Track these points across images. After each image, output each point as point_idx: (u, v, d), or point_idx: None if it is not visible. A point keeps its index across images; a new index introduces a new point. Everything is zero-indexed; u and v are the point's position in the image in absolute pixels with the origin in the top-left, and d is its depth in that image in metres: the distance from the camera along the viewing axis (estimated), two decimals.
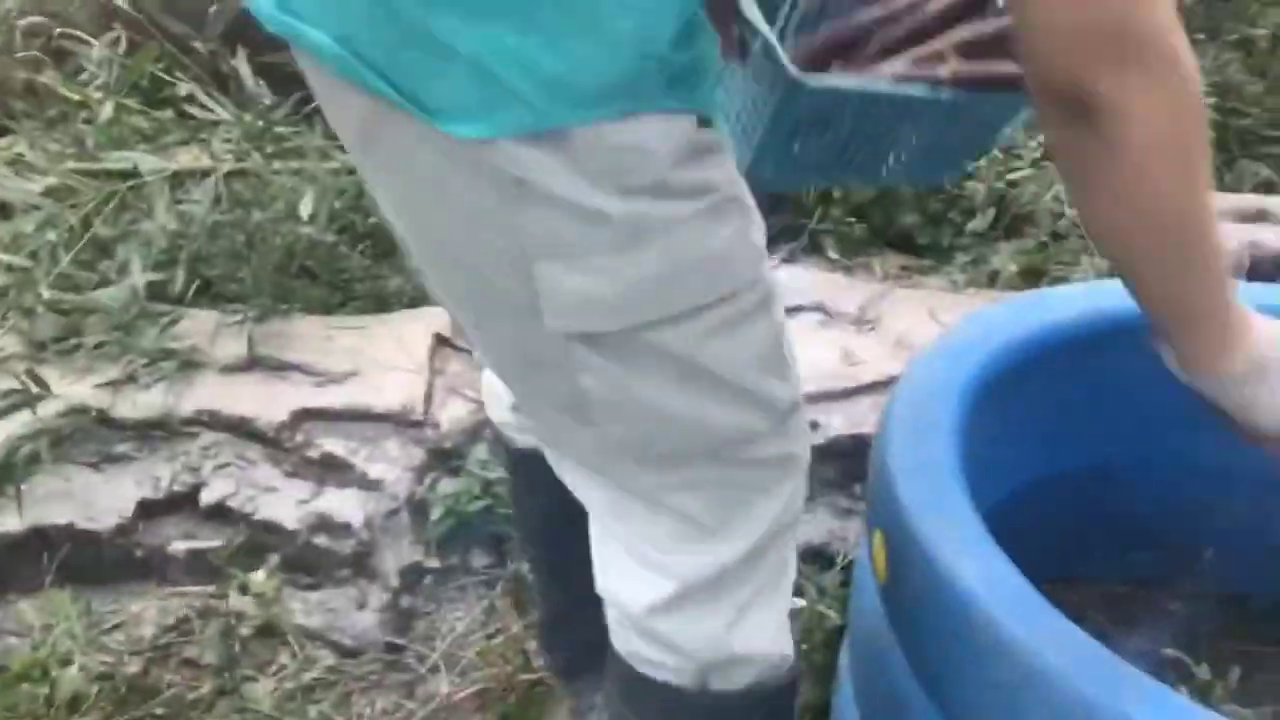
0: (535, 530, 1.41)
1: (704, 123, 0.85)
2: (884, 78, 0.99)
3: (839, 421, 1.74)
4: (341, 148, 2.45)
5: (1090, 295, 1.38)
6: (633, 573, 1.02)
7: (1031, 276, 2.28)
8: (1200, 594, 1.49)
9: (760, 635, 1.05)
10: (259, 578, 1.64)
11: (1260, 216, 2.05)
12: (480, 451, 1.76)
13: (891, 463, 1.13)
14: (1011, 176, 2.42)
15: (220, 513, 1.70)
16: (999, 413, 1.25)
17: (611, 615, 1.07)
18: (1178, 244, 0.83)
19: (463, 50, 0.75)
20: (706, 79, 0.85)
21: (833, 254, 2.36)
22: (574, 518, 1.28)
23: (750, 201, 0.93)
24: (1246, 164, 2.65)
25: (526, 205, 0.81)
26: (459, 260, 0.90)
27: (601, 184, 0.80)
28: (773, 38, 0.93)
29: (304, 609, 1.65)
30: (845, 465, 1.72)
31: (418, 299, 2.18)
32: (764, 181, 1.02)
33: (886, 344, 1.93)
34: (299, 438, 1.75)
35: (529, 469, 1.32)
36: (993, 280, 2.33)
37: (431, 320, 1.96)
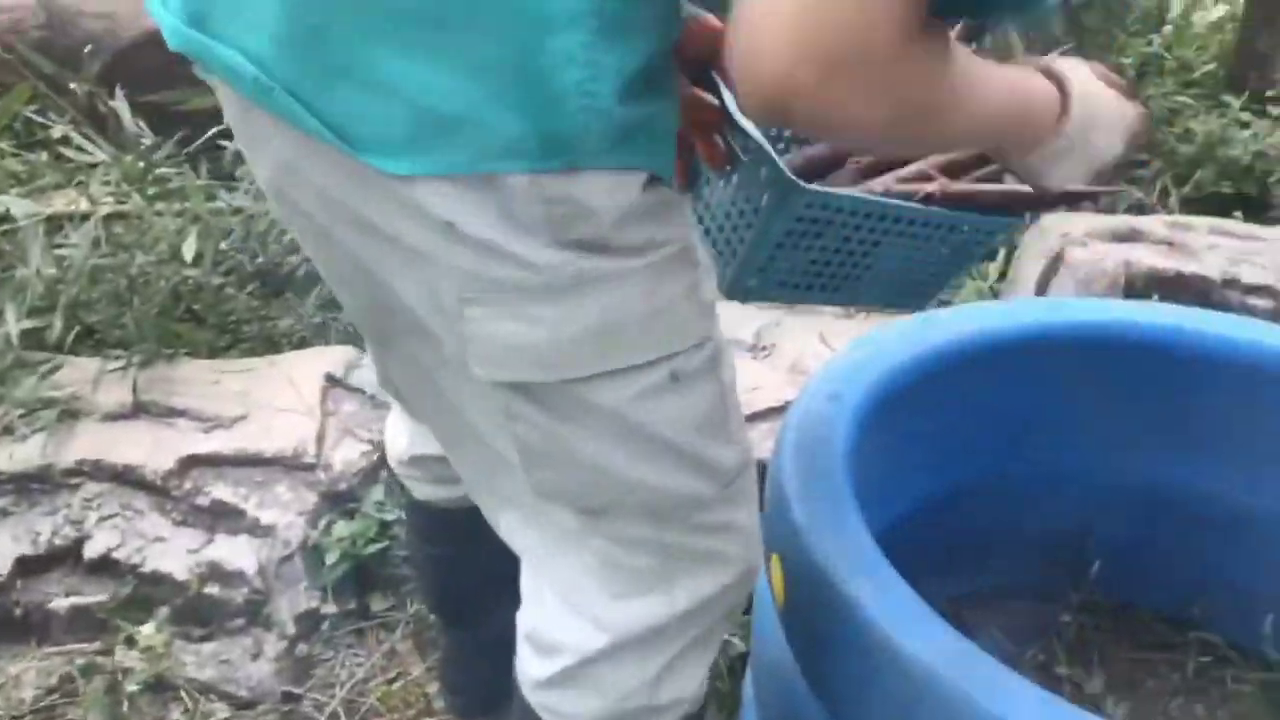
0: (433, 579, 1.39)
1: (655, 180, 0.81)
2: (874, 192, 1.00)
3: None
4: (228, 187, 2.42)
5: (974, 316, 1.41)
6: (563, 619, 0.98)
7: None
8: (1091, 605, 1.53)
9: (688, 684, 1.02)
10: (148, 631, 1.58)
11: (1133, 236, 2.13)
12: (376, 493, 1.73)
13: (786, 488, 1.14)
14: None
15: (105, 566, 1.63)
16: (890, 433, 1.27)
17: (528, 663, 1.03)
18: (965, 131, 0.83)
19: (401, 87, 0.72)
20: (658, 136, 0.80)
21: None
22: (473, 567, 1.26)
23: (703, 257, 0.89)
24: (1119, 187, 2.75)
25: (457, 246, 0.77)
26: (385, 303, 0.86)
27: (535, 233, 0.76)
28: (768, 145, 0.92)
29: (196, 661, 1.60)
30: None
31: (308, 339, 2.15)
32: (742, 295, 1.01)
33: (781, 370, 1.95)
34: (187, 485, 1.70)
35: (427, 520, 1.30)
36: None
37: (323, 360, 1.93)
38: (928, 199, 1.01)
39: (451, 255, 0.77)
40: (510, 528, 1.00)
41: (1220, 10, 3.79)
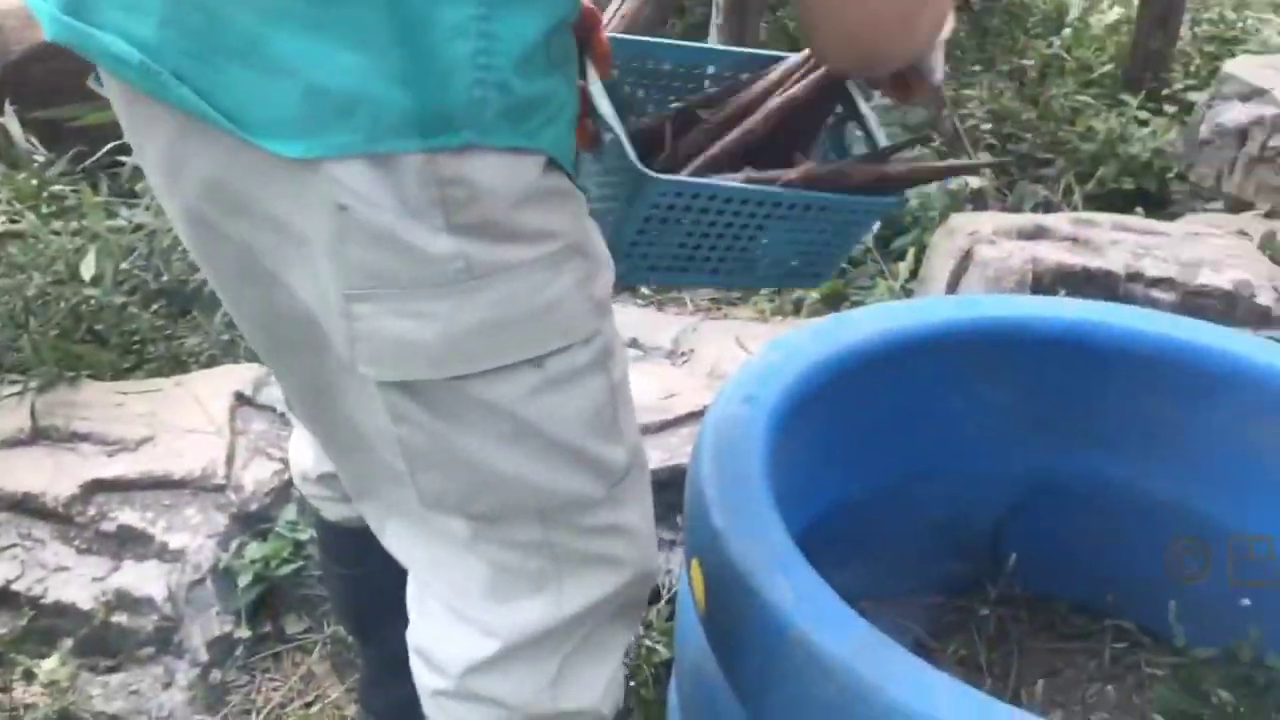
0: (345, 598, 1.36)
1: (552, 165, 0.80)
2: (734, 179, 1.00)
3: (657, 455, 1.74)
4: (128, 203, 2.36)
5: (885, 316, 1.42)
6: (451, 629, 0.96)
7: (833, 300, 2.35)
8: (1008, 598, 1.55)
9: (588, 693, 0.99)
10: (50, 664, 1.53)
11: (1039, 234, 2.17)
12: (289, 512, 1.69)
13: (704, 492, 1.13)
14: None
15: (3, 598, 1.57)
16: (806, 434, 1.27)
17: (423, 677, 1.01)
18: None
19: (292, 65, 0.71)
20: (558, 119, 0.79)
21: (646, 290, 2.38)
22: (384, 587, 1.23)
23: (598, 251, 0.87)
24: (1025, 185, 2.81)
25: (349, 236, 0.75)
26: (273, 303, 0.84)
27: (429, 217, 0.75)
28: (623, 133, 0.92)
29: (104, 694, 1.55)
30: (665, 497, 1.71)
31: (217, 357, 2.10)
32: (635, 277, 1.01)
33: (699, 375, 1.95)
34: (91, 511, 1.65)
35: (337, 539, 1.27)
36: (798, 308, 2.40)
37: (231, 378, 1.88)
38: (789, 184, 1.01)
39: (345, 244, 0.76)
40: (396, 537, 0.98)
41: (1116, 12, 3.90)
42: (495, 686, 0.96)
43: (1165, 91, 3.29)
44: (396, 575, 1.05)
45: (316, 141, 0.72)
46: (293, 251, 0.79)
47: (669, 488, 1.70)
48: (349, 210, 0.74)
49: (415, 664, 1.01)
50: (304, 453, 1.21)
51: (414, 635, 1.01)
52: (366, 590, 1.28)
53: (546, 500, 0.90)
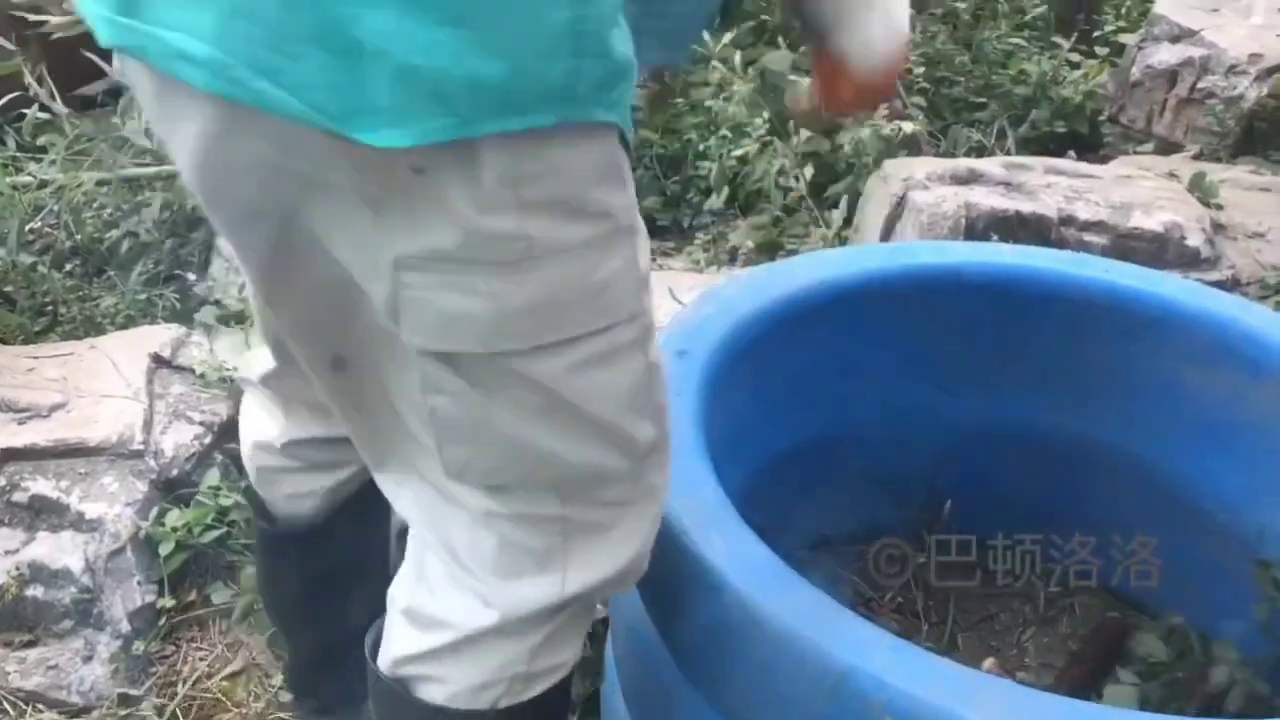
0: (284, 590, 1.30)
1: (621, 139, 0.79)
2: None
3: None
4: (36, 158, 2.26)
5: (818, 265, 1.40)
6: (449, 592, 0.95)
7: (768, 250, 2.33)
8: (945, 544, 1.55)
9: (564, 652, 0.99)
10: None
11: (972, 178, 2.16)
12: (212, 477, 1.64)
13: None
14: (739, 153, 2.46)
15: None
16: (739, 388, 1.25)
17: (401, 638, 0.98)
18: None
19: (383, 46, 0.67)
20: (630, 85, 0.77)
21: None
22: (328, 572, 1.21)
23: (642, 225, 0.86)
24: (958, 130, 2.80)
25: (414, 211, 0.74)
26: (312, 270, 0.83)
27: (499, 195, 0.73)
28: None
29: (20, 670, 1.49)
30: None
31: (133, 318, 2.03)
32: None
33: None
34: (1, 481, 1.58)
35: (284, 541, 1.22)
36: (733, 257, 2.37)
37: (148, 340, 1.82)
38: None
39: (405, 217, 0.74)
40: (409, 504, 0.97)
41: None
42: (482, 653, 0.95)
43: (1096, 34, 3.29)
44: (341, 561, 1.03)
45: (407, 130, 0.69)
46: (347, 214, 0.76)
47: None
48: (424, 176, 0.72)
49: (396, 624, 0.99)
50: (265, 422, 1.16)
51: (404, 597, 0.99)
52: (307, 579, 1.24)
53: (570, 473, 0.89)
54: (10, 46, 2.27)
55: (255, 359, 1.12)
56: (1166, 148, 2.78)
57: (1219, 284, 1.90)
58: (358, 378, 0.91)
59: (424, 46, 0.67)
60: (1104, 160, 2.58)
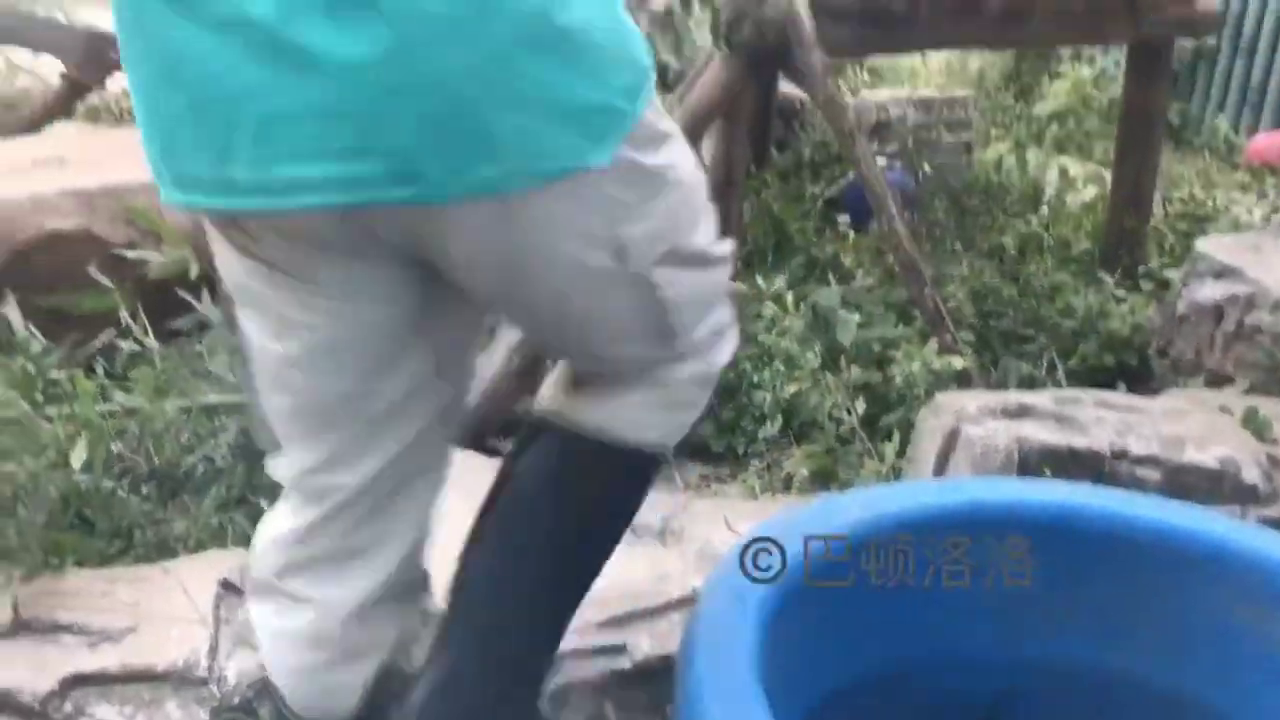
0: None
1: None
2: None
3: (647, 643, 1.72)
4: (123, 387, 2.38)
5: (873, 500, 1.43)
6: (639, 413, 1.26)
7: (822, 479, 2.36)
8: None
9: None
10: None
11: (1022, 412, 2.19)
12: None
13: (694, 685, 1.12)
14: (793, 388, 2.52)
15: None
16: (796, 623, 1.26)
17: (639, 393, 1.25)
18: None
19: (560, 97, 1.00)
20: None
21: None
22: None
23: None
24: (1009, 361, 2.85)
25: (613, 196, 1.07)
26: (548, 281, 1.11)
27: (645, 147, 1.10)
28: None
29: None
30: (654, 689, 1.69)
31: (204, 542, 2.08)
32: None
33: (690, 556, 1.94)
34: (68, 707, 1.61)
35: None
36: (788, 484, 2.40)
37: (218, 565, 1.86)
38: None
39: (607, 199, 1.08)
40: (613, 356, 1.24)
41: (1091, 191, 4.04)
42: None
43: (1141, 268, 3.37)
44: None
45: (600, 144, 1.04)
46: (567, 240, 1.09)
47: (659, 677, 1.68)
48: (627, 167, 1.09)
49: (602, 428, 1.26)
50: (293, 537, 1.25)
51: (597, 413, 1.26)
52: None
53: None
54: (109, 284, 2.42)
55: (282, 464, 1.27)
56: (1217, 380, 2.80)
57: (1278, 522, 1.90)
58: (578, 324, 1.18)
59: (570, 93, 1.02)
60: (1154, 393, 2.61)
